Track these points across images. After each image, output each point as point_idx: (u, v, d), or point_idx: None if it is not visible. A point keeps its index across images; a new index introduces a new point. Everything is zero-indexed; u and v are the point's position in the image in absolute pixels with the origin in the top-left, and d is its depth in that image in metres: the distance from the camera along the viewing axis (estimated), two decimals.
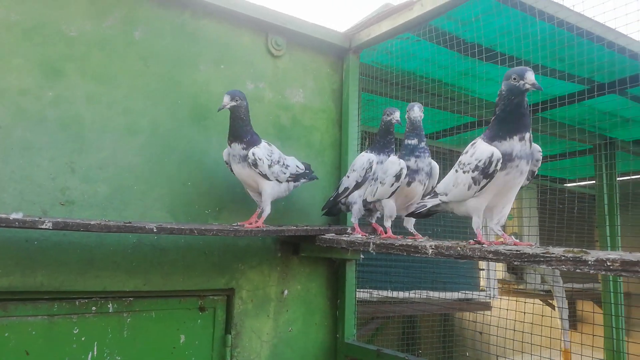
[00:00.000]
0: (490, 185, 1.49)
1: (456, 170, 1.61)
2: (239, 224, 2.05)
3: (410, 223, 2.00)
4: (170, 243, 2.06)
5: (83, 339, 1.87)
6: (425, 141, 1.92)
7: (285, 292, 2.35)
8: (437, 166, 1.98)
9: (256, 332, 2.24)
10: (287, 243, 2.36)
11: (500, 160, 1.45)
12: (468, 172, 1.52)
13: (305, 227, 2.11)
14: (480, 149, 1.50)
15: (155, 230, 1.67)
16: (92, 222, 1.59)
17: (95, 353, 1.88)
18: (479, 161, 1.47)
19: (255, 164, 1.98)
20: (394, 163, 1.89)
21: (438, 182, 1.86)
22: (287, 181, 2.13)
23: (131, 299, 1.99)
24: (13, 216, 1.51)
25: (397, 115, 2.12)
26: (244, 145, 1.98)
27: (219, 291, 2.20)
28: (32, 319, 1.79)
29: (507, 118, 1.48)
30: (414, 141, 1.89)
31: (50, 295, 1.82)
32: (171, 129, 2.15)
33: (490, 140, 1.49)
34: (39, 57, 1.89)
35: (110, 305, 1.94)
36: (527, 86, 1.44)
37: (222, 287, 2.19)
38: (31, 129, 1.84)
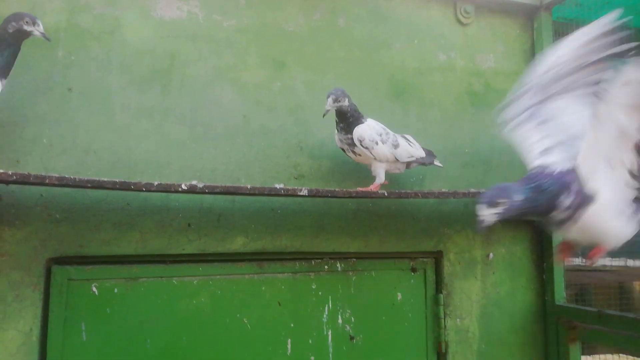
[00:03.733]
0: None
1: None
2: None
3: None
4: (384, 209, 2.25)
5: (320, 293, 2.16)
6: None
7: (491, 255, 2.40)
8: None
9: (466, 292, 2.34)
10: None
11: None
12: None
13: None
14: None
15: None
16: (337, 190, 1.84)
17: (330, 306, 2.16)
18: None
19: None
20: None
21: None
22: None
23: (354, 259, 2.22)
24: (278, 186, 1.81)
25: None
26: None
27: (428, 253, 2.34)
28: (280, 276, 2.12)
29: None
30: None
31: (292, 256, 2.14)
32: (374, 107, 2.30)
33: None
34: (267, 54, 2.19)
35: (338, 265, 2.20)
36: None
37: (431, 249, 2.32)
38: (267, 116, 2.16)
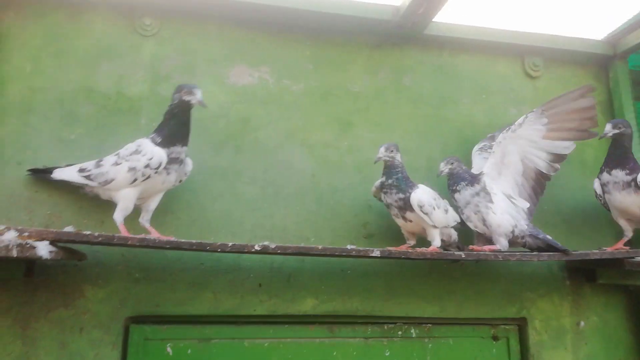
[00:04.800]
0: None
1: None
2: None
3: None
4: (460, 271, 2.13)
5: None
6: None
7: (582, 323, 2.17)
8: None
9: None
10: (577, 270, 2.20)
11: None
12: None
13: (610, 250, 1.95)
14: None
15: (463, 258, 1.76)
16: (410, 251, 1.77)
17: None
18: None
19: None
20: None
21: None
22: None
23: (430, 325, 2.09)
24: (350, 246, 1.77)
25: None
26: (628, 171, 1.97)
27: (510, 320, 2.16)
28: (352, 340, 2.02)
29: None
30: None
31: (363, 320, 2.05)
32: None
33: None
34: (334, 114, 2.24)
35: (412, 331, 2.07)
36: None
37: (513, 316, 2.14)
38: (334, 175, 2.16)
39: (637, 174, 1.94)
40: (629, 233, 2.07)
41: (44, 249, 1.35)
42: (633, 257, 1.88)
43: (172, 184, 1.82)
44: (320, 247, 1.73)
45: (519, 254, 1.85)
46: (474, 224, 1.98)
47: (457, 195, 2.00)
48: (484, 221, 1.95)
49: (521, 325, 2.16)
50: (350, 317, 2.03)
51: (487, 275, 2.14)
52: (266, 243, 1.74)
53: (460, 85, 2.38)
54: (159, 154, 1.72)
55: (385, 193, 1.95)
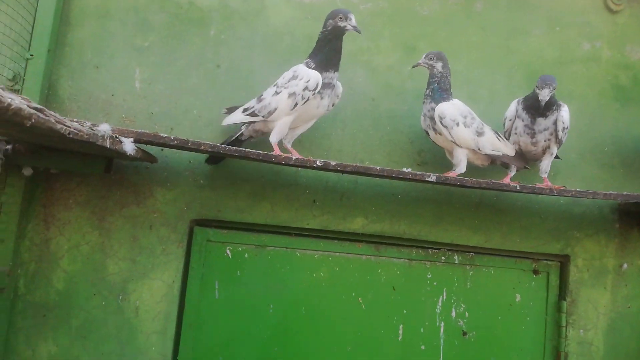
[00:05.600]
0: None
1: None
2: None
3: None
4: (509, 205, 2.16)
5: (435, 283, 2.13)
6: None
7: (625, 265, 2.20)
8: None
9: (592, 302, 2.17)
10: (629, 213, 2.19)
11: None
12: None
13: None
14: None
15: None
16: (466, 179, 1.80)
17: (444, 297, 2.12)
18: None
19: None
20: None
21: None
22: None
23: (473, 253, 2.16)
24: (406, 169, 1.82)
25: None
26: None
27: (553, 256, 2.20)
28: (396, 260, 2.12)
29: None
30: None
31: (409, 242, 2.13)
32: (507, 96, 2.20)
33: None
34: (400, 38, 2.19)
35: (455, 257, 2.15)
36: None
37: (557, 252, 2.18)
38: (394, 100, 2.16)
39: None
40: None
41: (129, 146, 1.45)
42: None
43: (326, 108, 1.88)
44: (378, 168, 1.78)
45: (574, 191, 1.86)
46: (537, 149, 1.99)
47: (540, 119, 1.94)
48: (548, 149, 1.97)
49: (563, 262, 2.20)
50: (396, 239, 2.12)
51: (536, 211, 2.17)
52: (326, 160, 1.81)
53: (533, 16, 2.26)
54: (315, 76, 1.77)
55: (423, 103, 1.97)
